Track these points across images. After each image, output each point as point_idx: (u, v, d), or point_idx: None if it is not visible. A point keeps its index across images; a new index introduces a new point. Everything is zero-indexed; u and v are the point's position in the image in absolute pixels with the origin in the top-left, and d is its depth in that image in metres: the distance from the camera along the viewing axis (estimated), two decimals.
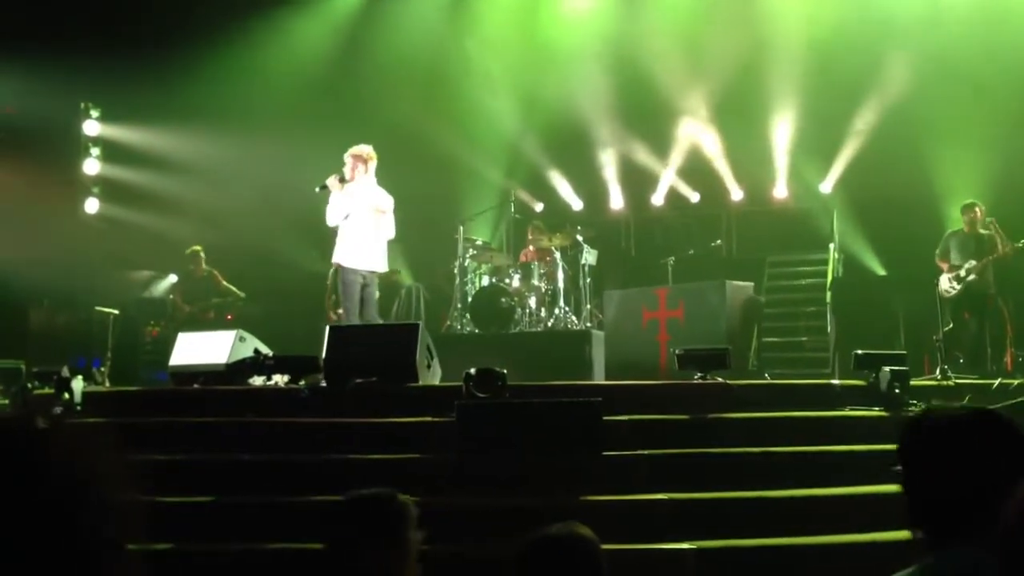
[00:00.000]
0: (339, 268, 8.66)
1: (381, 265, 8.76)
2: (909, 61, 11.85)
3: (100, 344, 10.32)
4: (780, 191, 13.79)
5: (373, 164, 8.70)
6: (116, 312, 10.24)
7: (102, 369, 9.80)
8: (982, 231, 10.16)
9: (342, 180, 8.56)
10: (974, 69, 11.48)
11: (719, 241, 12.99)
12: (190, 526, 5.40)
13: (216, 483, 6.04)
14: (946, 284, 10.17)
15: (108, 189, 12.48)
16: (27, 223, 10.99)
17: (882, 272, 12.57)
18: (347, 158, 8.69)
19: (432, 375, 7.66)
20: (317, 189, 8.72)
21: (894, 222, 12.17)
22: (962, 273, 10.04)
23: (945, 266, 10.23)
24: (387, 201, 8.70)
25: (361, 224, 8.59)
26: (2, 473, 0.85)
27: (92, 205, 12.53)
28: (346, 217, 8.53)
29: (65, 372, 7.27)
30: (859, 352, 7.46)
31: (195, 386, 7.63)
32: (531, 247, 11.72)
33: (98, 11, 11.74)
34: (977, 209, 10.22)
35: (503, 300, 10.66)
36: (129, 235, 12.20)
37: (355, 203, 8.56)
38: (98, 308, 10.65)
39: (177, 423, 6.76)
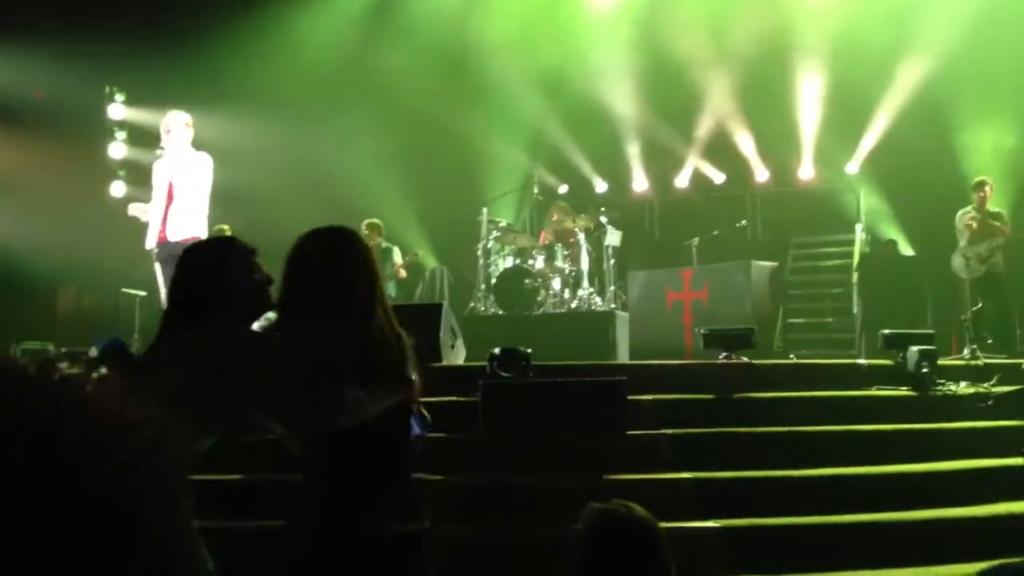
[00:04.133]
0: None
1: None
2: (937, 38, 11.69)
3: (127, 325, 10.40)
4: (806, 172, 13.68)
5: None
6: (143, 294, 10.30)
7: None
8: (991, 210, 9.97)
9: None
10: (1004, 45, 11.31)
11: (744, 222, 12.90)
12: (221, 502, 5.42)
13: (243, 461, 6.07)
14: (960, 263, 9.97)
15: (134, 172, 12.57)
16: (54, 207, 11.08)
17: (909, 252, 12.46)
18: (181, 125, 7.95)
19: (456, 355, 7.66)
20: (158, 152, 8.03)
21: (921, 202, 12.05)
22: (983, 252, 9.82)
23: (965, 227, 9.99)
24: None
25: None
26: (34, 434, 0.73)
27: (118, 188, 12.62)
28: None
29: (93, 353, 7.33)
30: (886, 332, 7.40)
31: None
32: (554, 228, 11.68)
33: None
34: (987, 187, 10.01)
35: (527, 282, 10.64)
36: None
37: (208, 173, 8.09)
38: (125, 290, 10.73)
39: None
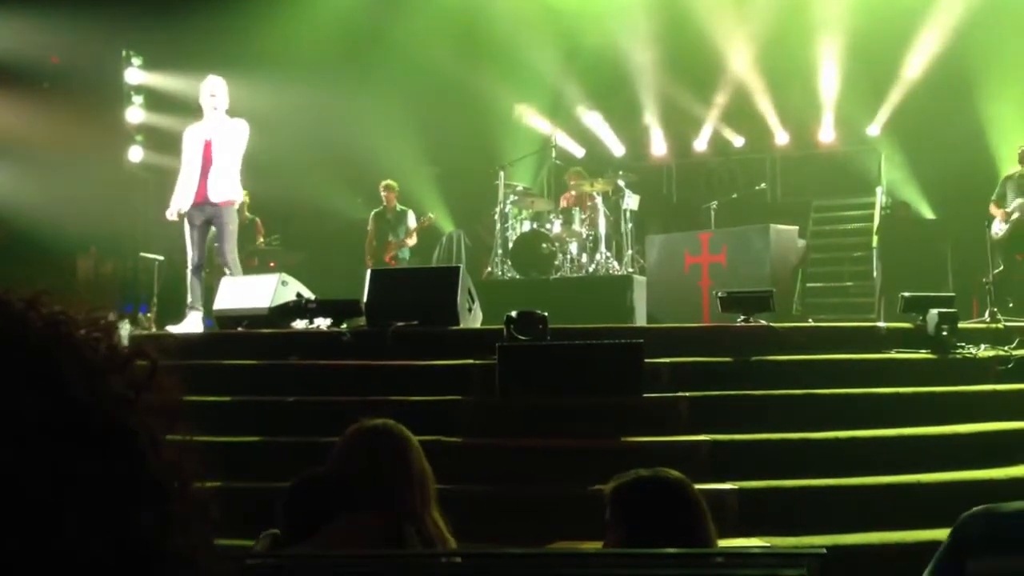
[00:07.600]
0: (233, 206, 8.39)
1: None
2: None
3: (146, 290, 10.47)
4: (826, 134, 13.54)
5: None
6: (161, 258, 10.36)
7: (148, 315, 9.95)
8: None
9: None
10: None
11: (763, 185, 12.80)
12: (237, 464, 5.47)
13: (261, 423, 6.13)
14: (997, 227, 10.00)
15: (152, 137, 12.58)
16: (73, 172, 11.12)
17: (930, 215, 12.35)
18: (224, 90, 8.37)
19: (473, 319, 7.67)
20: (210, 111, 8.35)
21: (943, 165, 11.91)
22: (1009, 209, 9.88)
23: (1000, 212, 10.01)
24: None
25: None
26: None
27: (136, 153, 12.65)
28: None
29: (112, 317, 7.37)
30: (906, 294, 7.34)
31: (239, 329, 7.72)
32: (572, 192, 11.63)
33: None
34: None
35: (544, 246, 10.61)
36: (173, 183, 12.31)
37: (246, 138, 8.38)
38: (143, 255, 10.79)
39: (222, 366, 6.85)
